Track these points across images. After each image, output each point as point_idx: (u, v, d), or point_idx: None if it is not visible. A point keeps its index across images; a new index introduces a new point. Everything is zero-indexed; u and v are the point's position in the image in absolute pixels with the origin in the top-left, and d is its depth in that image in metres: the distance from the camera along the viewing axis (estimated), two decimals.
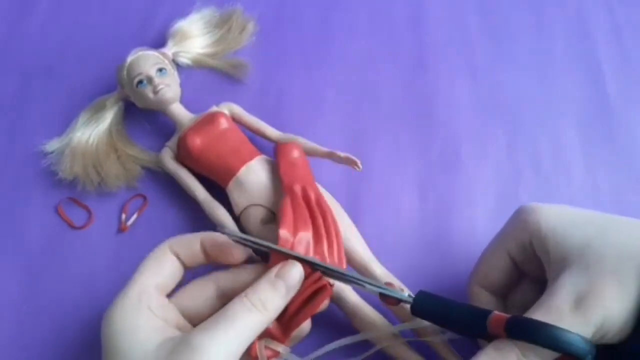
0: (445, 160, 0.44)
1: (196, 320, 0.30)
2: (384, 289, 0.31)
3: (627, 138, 0.45)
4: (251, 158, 0.40)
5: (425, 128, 0.45)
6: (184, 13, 0.49)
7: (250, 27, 0.49)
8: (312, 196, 0.37)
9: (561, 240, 0.29)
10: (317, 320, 0.38)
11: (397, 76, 0.48)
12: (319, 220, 0.36)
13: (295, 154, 0.40)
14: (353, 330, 0.36)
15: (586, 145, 0.44)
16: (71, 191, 0.43)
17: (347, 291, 0.36)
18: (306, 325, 0.32)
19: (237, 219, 0.39)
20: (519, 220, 0.32)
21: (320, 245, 0.35)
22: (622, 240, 0.28)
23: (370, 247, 0.38)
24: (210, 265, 0.33)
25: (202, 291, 0.32)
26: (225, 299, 0.31)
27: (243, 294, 0.29)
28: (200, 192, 0.40)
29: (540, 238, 0.30)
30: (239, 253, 0.32)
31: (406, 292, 0.32)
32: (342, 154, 0.40)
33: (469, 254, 0.40)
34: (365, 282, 0.31)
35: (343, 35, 0.50)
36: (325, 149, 0.41)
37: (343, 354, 0.35)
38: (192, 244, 0.32)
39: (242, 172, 0.39)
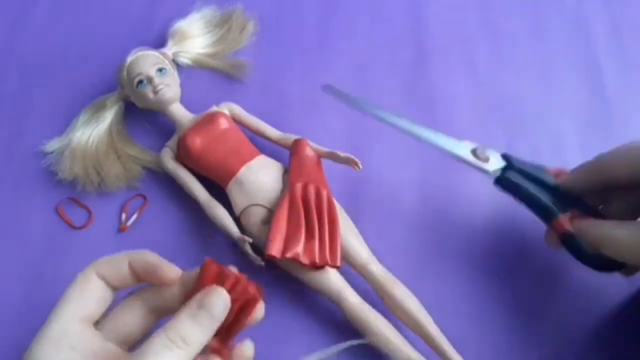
0: (445, 160, 0.44)
1: (132, 343, 0.29)
2: None
3: (627, 138, 0.44)
4: (251, 158, 0.40)
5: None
6: (184, 13, 0.49)
7: (251, 26, 0.49)
8: (312, 194, 0.37)
9: None
10: (316, 319, 0.38)
11: (397, 76, 0.48)
12: (313, 219, 0.36)
13: (307, 151, 0.40)
14: (352, 330, 0.36)
15: (586, 145, 0.44)
16: (71, 191, 0.43)
17: (347, 291, 0.36)
18: (249, 351, 0.29)
19: (237, 219, 0.39)
20: None
21: (311, 242, 0.36)
22: None
23: (370, 247, 0.38)
24: None
25: (131, 311, 0.29)
26: (157, 314, 0.30)
27: (162, 329, 0.26)
28: (200, 192, 0.40)
29: None
30: (172, 272, 0.29)
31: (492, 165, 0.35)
32: (343, 154, 0.40)
33: (469, 254, 0.40)
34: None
35: (343, 35, 0.50)
36: (325, 149, 0.41)
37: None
38: (118, 265, 0.29)
39: (242, 172, 0.39)
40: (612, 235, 0.32)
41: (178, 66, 0.46)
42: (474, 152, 0.36)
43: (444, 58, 0.49)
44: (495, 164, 0.36)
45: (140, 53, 0.43)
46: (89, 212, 0.42)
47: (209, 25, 0.49)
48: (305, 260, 0.36)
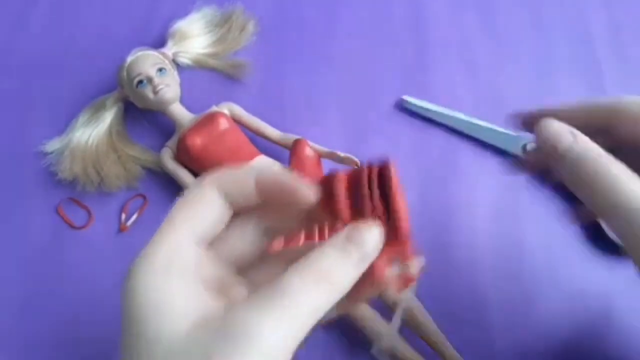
0: (444, 160, 0.44)
1: (242, 265, 0.25)
2: None
3: None
4: (251, 158, 0.40)
5: (426, 128, 0.45)
6: (184, 13, 0.48)
7: (251, 26, 0.49)
8: None
9: None
10: None
11: (397, 76, 0.48)
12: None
13: (307, 151, 0.40)
14: (352, 331, 0.36)
15: None
16: (71, 191, 0.43)
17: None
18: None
19: None
20: None
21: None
22: None
23: None
24: None
25: (243, 231, 0.25)
26: (272, 235, 0.26)
27: (302, 264, 0.22)
28: None
29: None
30: (309, 192, 0.24)
31: None
32: (342, 154, 0.40)
33: (469, 254, 0.40)
34: None
35: (343, 35, 0.50)
36: (325, 149, 0.41)
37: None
38: (245, 179, 0.24)
39: None
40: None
41: (178, 66, 0.46)
42: (524, 147, 0.42)
43: (444, 58, 0.49)
44: None
45: (140, 53, 0.43)
46: (89, 212, 0.42)
47: (209, 25, 0.49)
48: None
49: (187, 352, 0.19)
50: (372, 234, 0.23)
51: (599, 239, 0.40)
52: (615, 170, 0.24)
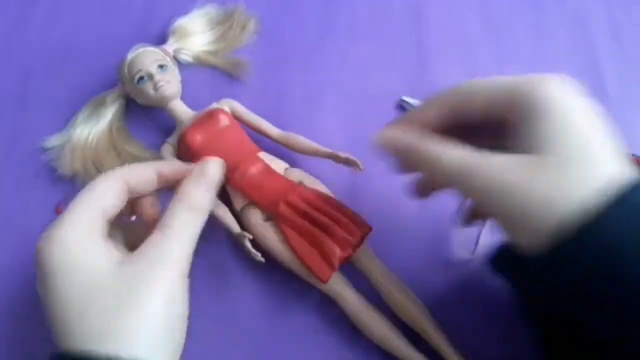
0: None
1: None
2: None
3: (627, 138, 0.44)
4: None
5: None
6: (184, 12, 0.49)
7: (252, 25, 0.49)
8: (298, 201, 0.37)
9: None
10: (316, 318, 0.38)
11: (397, 76, 0.48)
12: (320, 217, 0.36)
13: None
14: (354, 329, 0.36)
15: None
16: (72, 189, 0.42)
17: (347, 289, 0.36)
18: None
19: (237, 215, 0.39)
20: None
21: (337, 235, 0.35)
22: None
23: (371, 247, 0.38)
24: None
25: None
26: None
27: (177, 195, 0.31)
28: None
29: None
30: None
31: None
32: (343, 155, 0.40)
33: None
34: None
35: (343, 35, 0.50)
36: (326, 150, 0.41)
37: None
38: (146, 173, 0.32)
39: None
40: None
41: (179, 63, 0.46)
42: None
43: (444, 58, 0.49)
44: None
45: (141, 49, 0.43)
46: None
47: (211, 22, 0.49)
48: (348, 252, 0.36)
49: (129, 272, 0.27)
50: (214, 166, 0.32)
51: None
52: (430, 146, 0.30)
